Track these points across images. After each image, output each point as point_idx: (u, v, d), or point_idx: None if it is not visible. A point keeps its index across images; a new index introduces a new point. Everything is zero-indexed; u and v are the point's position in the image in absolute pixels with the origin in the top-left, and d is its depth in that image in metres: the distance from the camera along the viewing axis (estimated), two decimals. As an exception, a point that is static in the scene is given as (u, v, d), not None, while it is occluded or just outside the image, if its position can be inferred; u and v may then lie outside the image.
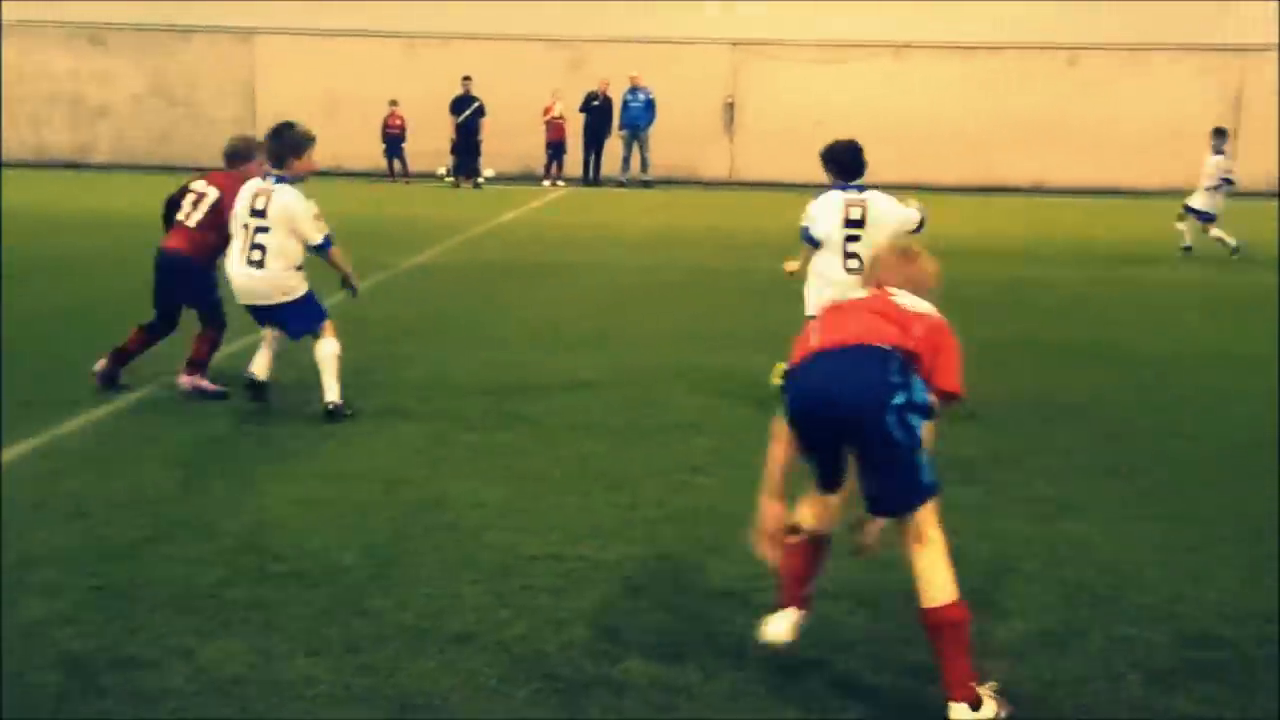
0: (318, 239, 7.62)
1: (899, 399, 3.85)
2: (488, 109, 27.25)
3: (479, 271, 14.27)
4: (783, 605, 4.33)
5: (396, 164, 28.21)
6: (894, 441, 3.86)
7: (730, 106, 29.53)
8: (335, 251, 7.78)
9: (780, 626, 4.29)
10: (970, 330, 5.02)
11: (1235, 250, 16.66)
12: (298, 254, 7.61)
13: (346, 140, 29.59)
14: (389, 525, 5.68)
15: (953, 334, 4.14)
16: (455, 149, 27.38)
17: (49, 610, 4.63)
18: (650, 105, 28.06)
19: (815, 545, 4.33)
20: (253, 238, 7.49)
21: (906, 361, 3.94)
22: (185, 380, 8.00)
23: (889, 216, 7.70)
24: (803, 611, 4.33)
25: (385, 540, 5.48)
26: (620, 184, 28.04)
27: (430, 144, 28.03)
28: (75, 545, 5.30)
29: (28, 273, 12.87)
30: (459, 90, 27.29)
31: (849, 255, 7.64)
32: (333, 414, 7.47)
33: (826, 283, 7.58)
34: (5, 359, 8.68)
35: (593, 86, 28.24)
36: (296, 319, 7.70)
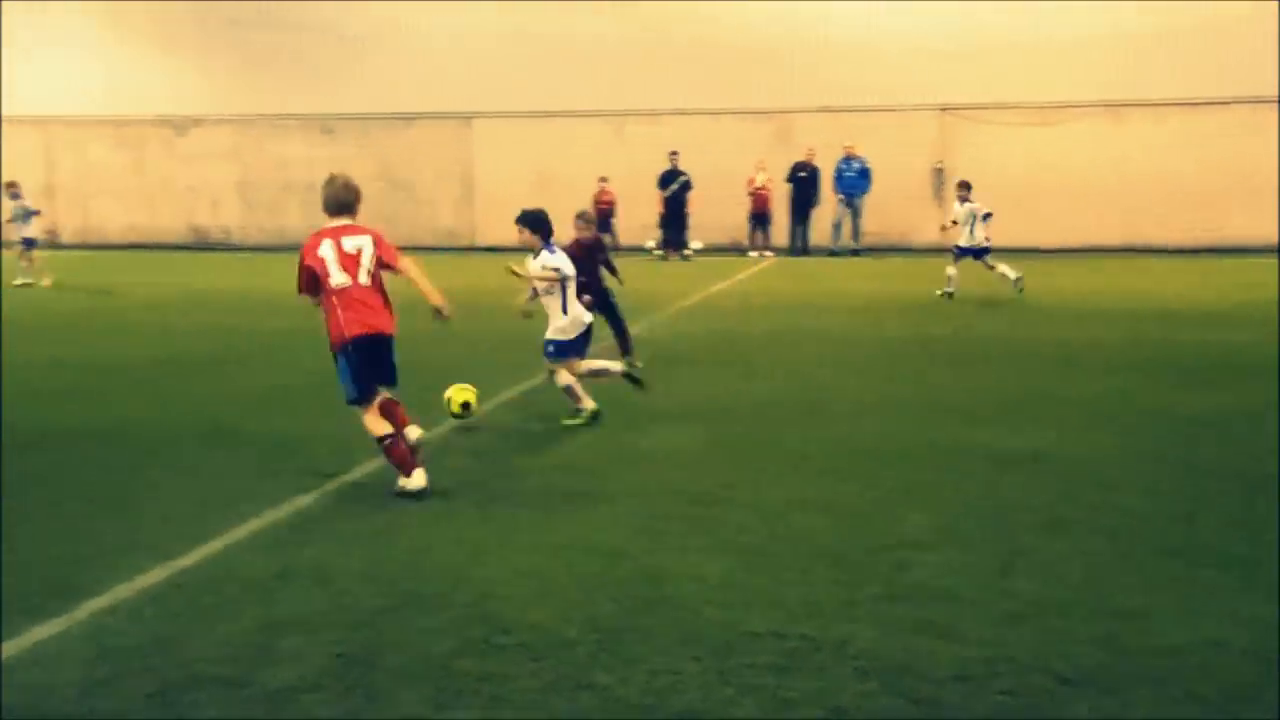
0: None
1: None
2: (695, 182, 27.67)
3: (691, 344, 14.38)
4: None
5: (607, 238, 28.80)
6: None
7: (939, 172, 29.17)
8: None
9: None
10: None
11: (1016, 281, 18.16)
12: None
13: (558, 218, 30.51)
14: (610, 599, 5.74)
15: None
16: (663, 222, 27.86)
17: (296, 676, 4.83)
18: (865, 174, 28.04)
19: None
20: None
21: None
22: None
23: None
24: None
25: (608, 614, 5.54)
26: (832, 252, 28.01)
27: (639, 218, 28.62)
28: (319, 612, 5.53)
29: (267, 349, 13.63)
30: (666, 165, 27.80)
31: None
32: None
33: None
34: (244, 433, 9.18)
35: (798, 156, 28.38)
36: None
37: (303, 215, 32.08)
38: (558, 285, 9.52)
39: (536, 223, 9.59)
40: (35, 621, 5.37)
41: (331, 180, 7.80)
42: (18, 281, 21.76)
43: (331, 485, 7.80)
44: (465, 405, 9.17)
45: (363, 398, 7.64)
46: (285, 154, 31.81)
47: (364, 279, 7.52)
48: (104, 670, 4.88)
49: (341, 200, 7.72)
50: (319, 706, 4.59)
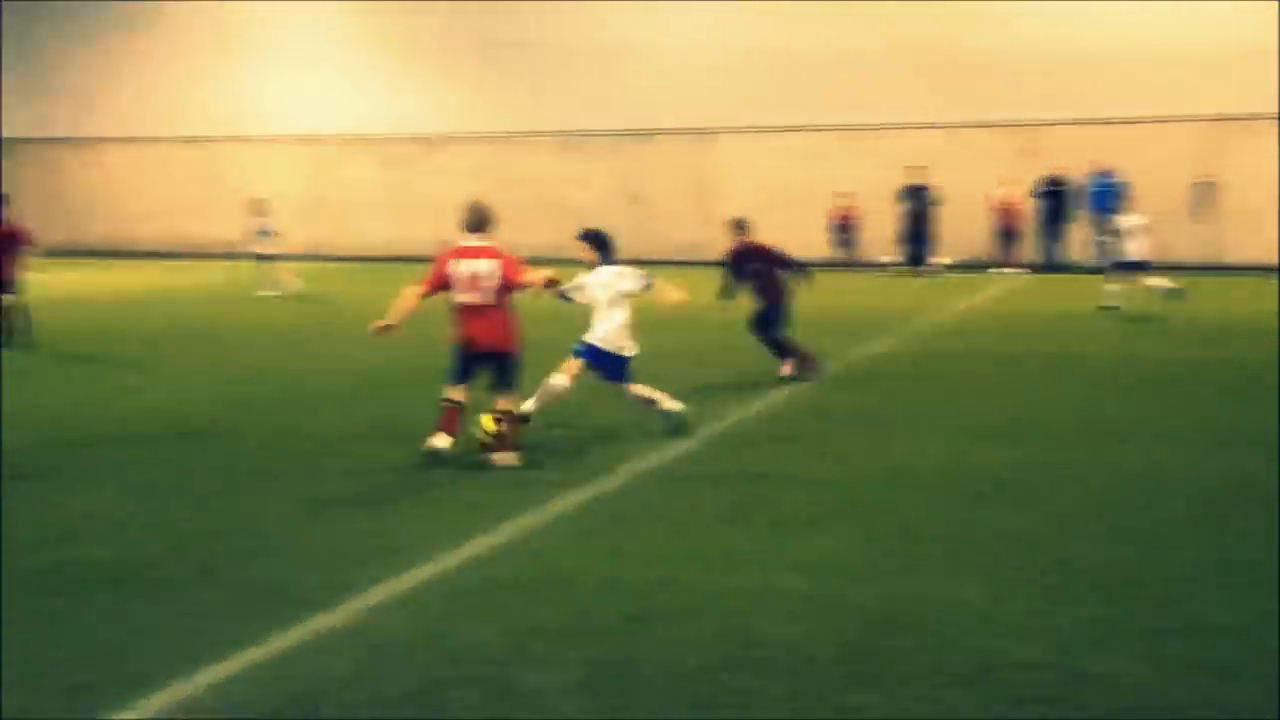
0: None
1: None
2: (939, 196, 27.08)
3: (935, 361, 14.07)
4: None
5: (846, 253, 28.51)
6: None
7: (1203, 186, 27.65)
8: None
9: None
10: None
11: None
12: None
13: (795, 230, 30.32)
14: (863, 619, 5.64)
15: None
16: (905, 237, 27.35)
17: (552, 680, 4.93)
18: (1119, 189, 26.82)
19: None
20: None
21: None
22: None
23: None
24: None
25: (860, 635, 5.44)
26: (1093, 270, 26.87)
27: (879, 232, 28.20)
28: (572, 619, 5.63)
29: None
30: (908, 179, 27.30)
31: None
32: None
33: None
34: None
35: (1045, 171, 27.42)
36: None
37: (548, 230, 32.96)
38: (613, 298, 9.70)
39: (598, 241, 9.99)
40: (309, 612, 5.65)
41: (472, 205, 9.11)
42: (275, 293, 22.93)
43: (582, 496, 7.94)
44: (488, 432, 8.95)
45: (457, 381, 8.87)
46: (533, 170, 32.74)
47: (489, 299, 8.78)
48: (374, 663, 5.09)
49: (472, 222, 8.99)
50: (576, 711, 4.66)
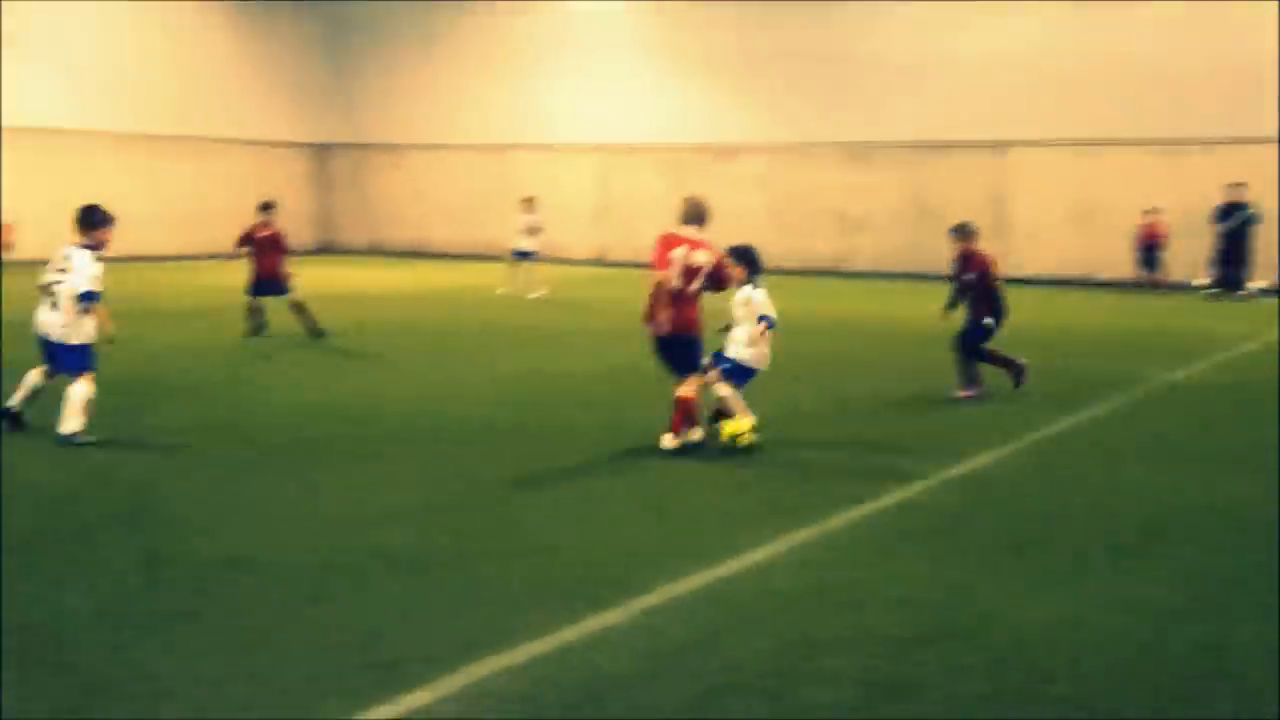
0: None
1: None
2: (1262, 216, 25.28)
3: (1243, 391, 13.12)
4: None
5: (1152, 274, 27.03)
6: None
7: None
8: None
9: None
10: None
11: None
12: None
13: (1098, 248, 29.03)
14: (1164, 662, 5.29)
15: None
16: (1219, 259, 25.66)
17: (832, 698, 4.84)
18: None
19: None
20: None
21: None
22: None
23: None
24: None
25: (1162, 679, 5.11)
26: None
27: (1188, 254, 26.62)
28: (853, 635, 5.52)
29: (799, 363, 14.00)
30: (1226, 197, 25.60)
31: None
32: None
33: None
34: (775, 448, 9.44)
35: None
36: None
37: (831, 240, 32.69)
38: (754, 316, 9.67)
39: (749, 258, 9.93)
40: (593, 610, 5.76)
41: (691, 199, 9.82)
42: (499, 291, 23.61)
43: (868, 510, 7.81)
44: (747, 437, 9.34)
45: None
46: (819, 180, 32.57)
47: (694, 288, 9.35)
48: (654, 664, 5.13)
49: (691, 215, 9.66)
50: (860, 731, 4.57)
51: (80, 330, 9.39)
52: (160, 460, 8.91)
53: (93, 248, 9.54)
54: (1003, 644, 5.46)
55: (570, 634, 5.46)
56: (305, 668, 5.01)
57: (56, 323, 9.39)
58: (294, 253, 17.69)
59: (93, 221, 9.61)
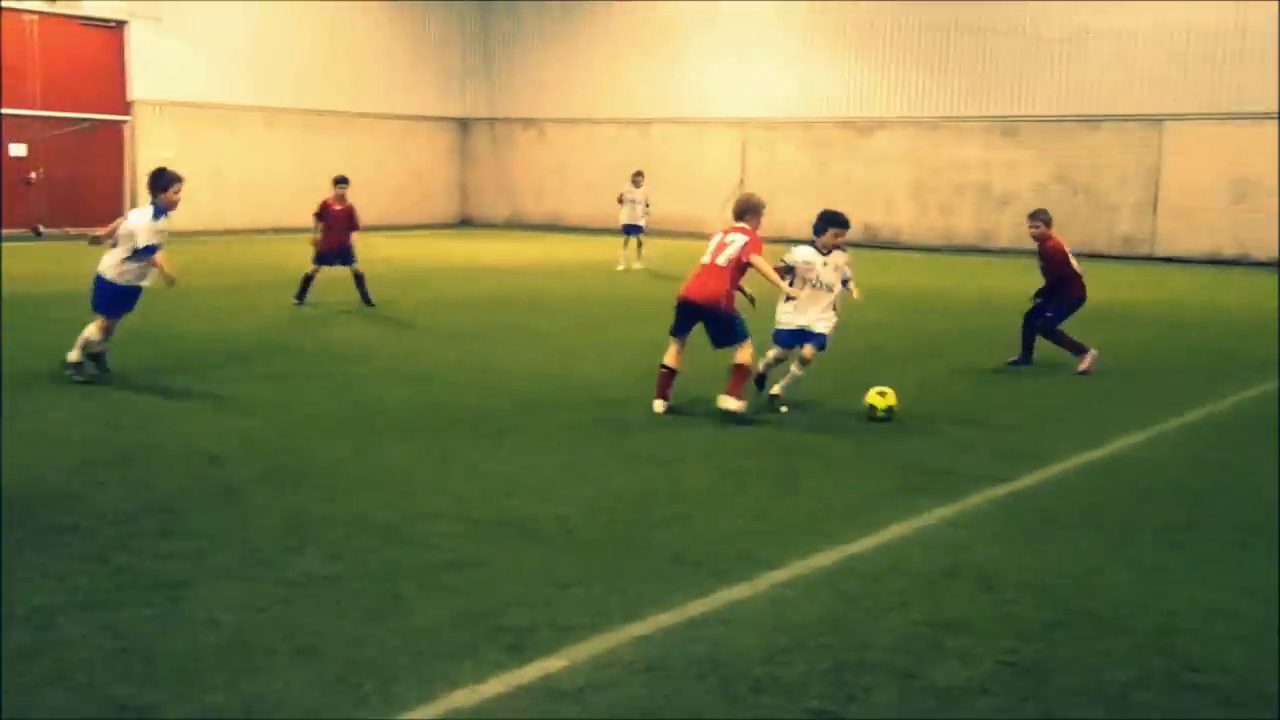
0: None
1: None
2: None
3: None
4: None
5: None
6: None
7: None
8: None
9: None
10: None
11: None
12: None
13: (1254, 228, 27.89)
14: (1319, 654, 5.07)
15: None
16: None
17: (965, 678, 4.76)
18: None
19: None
20: None
21: None
22: None
23: None
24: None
25: (1316, 670, 4.90)
26: None
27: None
28: (987, 617, 5.42)
29: (938, 340, 13.76)
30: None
31: None
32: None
33: None
34: (910, 426, 9.30)
35: None
36: None
37: (974, 217, 32.03)
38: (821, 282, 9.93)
39: (841, 222, 10.03)
40: (722, 583, 5.76)
41: (744, 195, 10.28)
42: (620, 267, 23.58)
43: (1007, 489, 7.65)
44: (887, 409, 9.50)
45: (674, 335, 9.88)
46: (963, 156, 31.92)
47: (721, 261, 9.65)
48: (783, 639, 5.11)
49: (738, 210, 10.07)
50: (989, 712, 4.48)
51: (123, 275, 10.47)
52: (302, 428, 9.17)
53: (161, 208, 10.41)
54: (1146, 630, 5.30)
55: (699, 606, 5.46)
56: (440, 632, 5.11)
57: (109, 265, 10.50)
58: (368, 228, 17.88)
59: (161, 183, 10.43)
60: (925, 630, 5.24)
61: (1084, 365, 12.04)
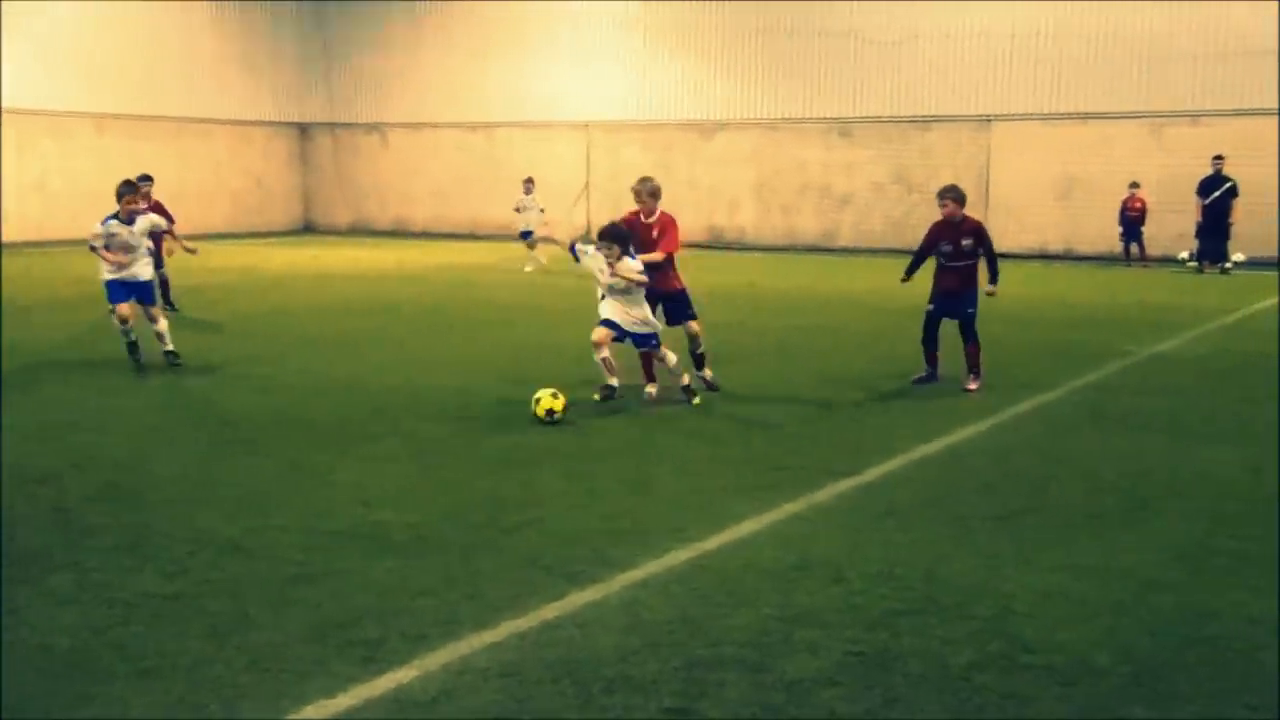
0: None
1: None
2: (1241, 189, 25.31)
3: (1228, 362, 13.17)
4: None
5: (1134, 248, 27.06)
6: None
7: None
8: None
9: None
10: None
11: None
12: None
13: (1079, 223, 29.08)
14: (1145, 630, 5.32)
15: None
16: (1201, 232, 25.70)
17: (814, 669, 4.86)
18: None
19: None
20: None
21: None
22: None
23: None
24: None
25: (1143, 646, 5.14)
26: None
27: (1172, 227, 26.73)
28: (835, 608, 5.54)
29: (784, 338, 14.00)
30: (1208, 170, 25.63)
31: None
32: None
33: None
34: (757, 425, 9.45)
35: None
36: None
37: (815, 216, 32.66)
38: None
39: (621, 238, 10.28)
40: (576, 586, 5.77)
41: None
42: (527, 269, 23.90)
43: (842, 484, 7.82)
44: (549, 412, 9.51)
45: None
46: (803, 157, 32.53)
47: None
48: (636, 640, 5.14)
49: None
50: (837, 702, 4.58)
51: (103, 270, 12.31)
52: (139, 441, 8.87)
53: (117, 215, 12.17)
54: (986, 615, 5.48)
55: (552, 610, 5.46)
56: (288, 648, 5.00)
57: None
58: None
59: (118, 193, 12.22)
60: (776, 624, 5.33)
61: (973, 385, 11.23)
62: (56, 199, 31.39)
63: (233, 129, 36.70)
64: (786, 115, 32.51)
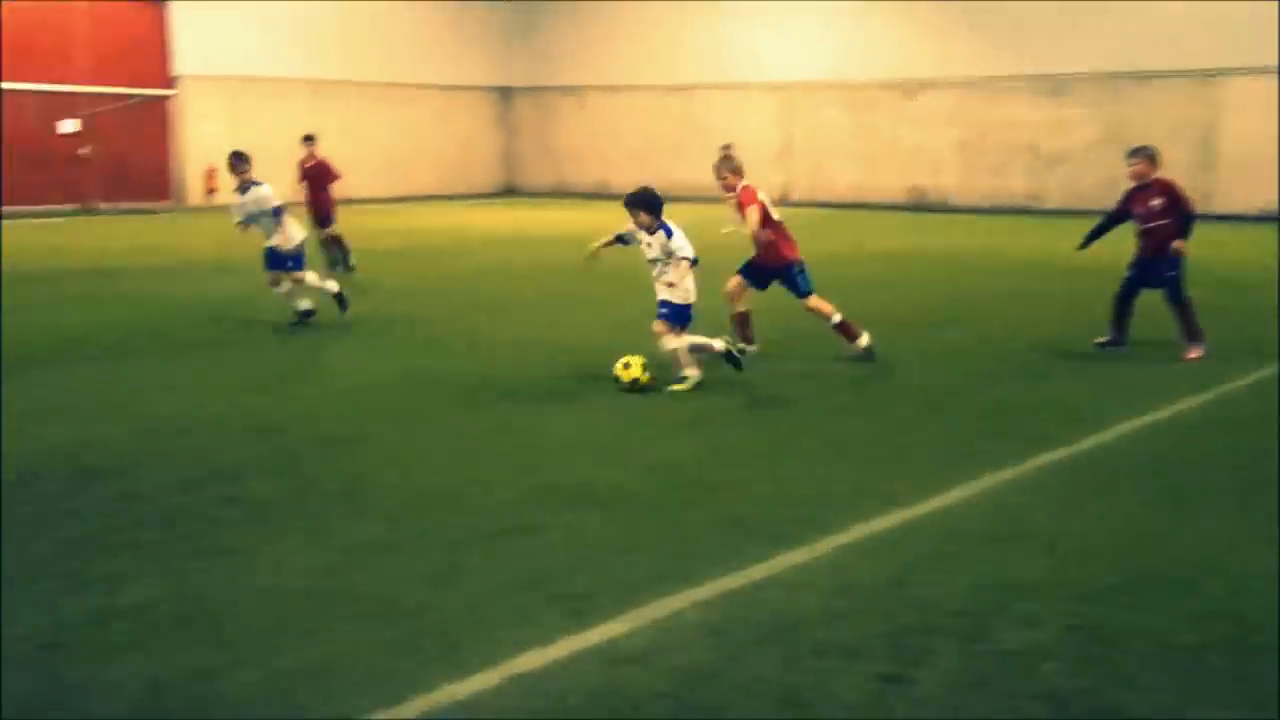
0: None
1: None
2: None
3: None
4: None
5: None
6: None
7: None
8: None
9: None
10: None
11: None
12: None
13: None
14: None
15: None
16: None
17: (1030, 641, 4.72)
18: None
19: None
20: None
21: None
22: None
23: None
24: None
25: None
26: None
27: None
28: (1050, 580, 5.37)
29: (991, 302, 13.62)
30: None
31: None
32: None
33: None
34: (967, 395, 9.21)
35: None
36: None
37: (1024, 177, 31.63)
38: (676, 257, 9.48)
39: (646, 204, 9.65)
40: (782, 547, 5.74)
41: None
42: (724, 230, 23.66)
43: (1068, 452, 7.56)
44: (634, 380, 9.19)
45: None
46: (1010, 116, 31.51)
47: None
48: (844, 603, 5.09)
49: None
50: (1057, 676, 4.44)
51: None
52: (353, 397, 9.22)
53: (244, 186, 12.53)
54: (1215, 593, 5.24)
55: (760, 570, 5.45)
56: (501, 597, 5.13)
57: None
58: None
59: (229, 165, 12.66)
60: (988, 593, 5.20)
61: (1192, 354, 10.68)
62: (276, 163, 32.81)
63: (438, 93, 37.66)
64: (993, 73, 31.52)
